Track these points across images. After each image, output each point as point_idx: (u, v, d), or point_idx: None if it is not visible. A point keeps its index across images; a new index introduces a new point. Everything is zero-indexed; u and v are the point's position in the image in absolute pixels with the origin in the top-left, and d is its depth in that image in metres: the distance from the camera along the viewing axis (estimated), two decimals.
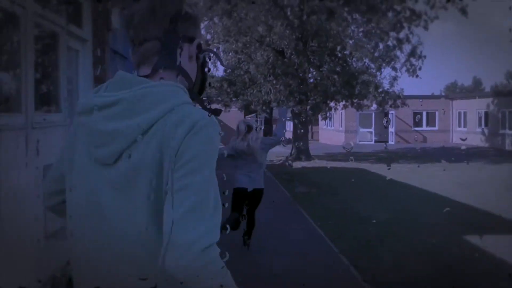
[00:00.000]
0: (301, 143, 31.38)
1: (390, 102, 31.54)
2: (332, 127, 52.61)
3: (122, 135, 1.76)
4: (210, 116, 1.77)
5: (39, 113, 5.88)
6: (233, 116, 46.58)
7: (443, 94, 70.96)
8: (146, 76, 1.86)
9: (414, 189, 17.95)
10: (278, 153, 31.08)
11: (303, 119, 31.18)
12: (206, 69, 2.04)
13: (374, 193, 16.83)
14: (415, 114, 48.21)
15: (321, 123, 52.44)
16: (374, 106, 32.86)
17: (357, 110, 32.75)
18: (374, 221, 11.76)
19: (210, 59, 2.28)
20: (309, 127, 39.19)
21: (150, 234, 1.73)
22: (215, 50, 17.06)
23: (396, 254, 9.45)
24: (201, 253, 1.62)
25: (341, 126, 49.66)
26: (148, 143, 1.74)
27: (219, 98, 35.31)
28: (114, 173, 1.78)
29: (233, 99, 34.11)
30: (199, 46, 1.96)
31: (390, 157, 33.20)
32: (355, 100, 30.76)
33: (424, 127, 50.14)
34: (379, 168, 25.12)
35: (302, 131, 31.70)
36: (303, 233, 11.40)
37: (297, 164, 28.18)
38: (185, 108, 1.77)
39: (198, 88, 2.02)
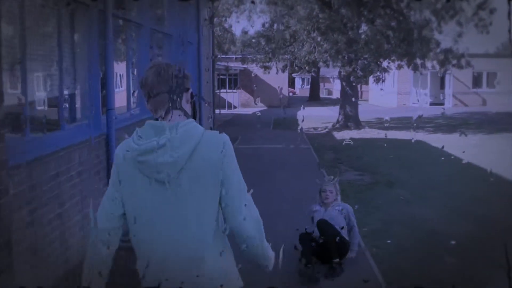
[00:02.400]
0: (349, 109, 27.67)
1: (453, 62, 27.42)
2: (383, 88, 48.45)
3: (176, 162, 2.81)
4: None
5: None
6: (273, 77, 43.20)
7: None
8: (162, 117, 2.92)
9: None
10: (323, 118, 27.50)
11: (352, 82, 27.41)
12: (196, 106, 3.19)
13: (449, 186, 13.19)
14: (475, 74, 43.91)
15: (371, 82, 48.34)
16: (430, 65, 28.80)
17: (414, 71, 28.74)
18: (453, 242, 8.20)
19: None
20: (360, 88, 35.43)
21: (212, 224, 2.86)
22: None
23: None
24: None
25: (393, 87, 45.56)
26: (194, 162, 2.82)
27: (256, 57, 31.73)
28: (175, 188, 2.83)
29: (272, 58, 30.26)
30: (191, 94, 3.07)
31: (449, 125, 29.23)
32: (413, 60, 26.73)
33: (484, 89, 45.80)
34: (442, 140, 21.34)
35: (351, 94, 27.92)
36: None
37: (345, 134, 24.51)
38: (208, 132, 2.91)
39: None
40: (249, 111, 42.91)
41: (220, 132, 2.89)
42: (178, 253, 2.80)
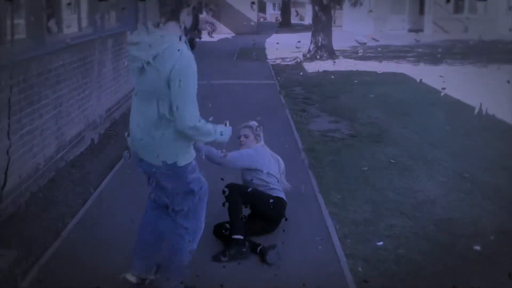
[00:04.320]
0: (322, 36, 24.45)
1: None
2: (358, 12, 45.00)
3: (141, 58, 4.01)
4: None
5: None
6: (241, 1, 39.16)
7: None
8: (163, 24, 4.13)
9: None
10: (293, 46, 24.32)
11: (326, 5, 24.12)
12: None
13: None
14: None
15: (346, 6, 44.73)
16: None
17: None
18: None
19: None
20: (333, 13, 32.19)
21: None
22: None
23: None
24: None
25: (369, 12, 42.18)
26: (158, 64, 3.96)
27: None
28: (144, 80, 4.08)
29: None
30: (193, 7, 4.14)
31: (432, 54, 26.26)
32: None
33: (466, 14, 42.68)
34: (428, 73, 18.45)
35: (324, 18, 24.64)
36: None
37: (317, 65, 21.39)
38: (175, 45, 3.97)
39: (193, 27, 4.29)
40: (214, 37, 39.46)
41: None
42: (137, 131, 4.23)
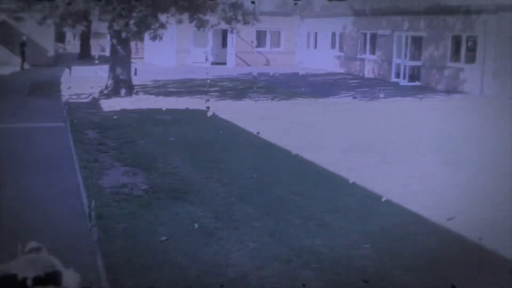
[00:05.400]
0: (121, 71, 22.86)
1: (240, 19, 23.70)
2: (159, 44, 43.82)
3: None
4: None
5: None
6: (36, 30, 36.36)
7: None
8: None
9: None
10: (88, 79, 22.47)
11: (125, 38, 22.60)
12: None
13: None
14: (259, 33, 41.34)
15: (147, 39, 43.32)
16: (214, 22, 24.83)
17: (198, 29, 24.59)
18: None
19: None
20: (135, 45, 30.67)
21: None
22: None
23: None
24: None
25: (172, 44, 41.23)
26: None
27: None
28: None
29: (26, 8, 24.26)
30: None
31: (237, 89, 25.82)
32: (197, 15, 22.50)
33: (268, 48, 43.43)
34: (234, 108, 17.67)
35: (122, 52, 23.09)
36: None
37: (114, 103, 19.76)
38: None
39: None
40: (7, 70, 36.09)
41: None
42: None
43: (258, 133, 13.43)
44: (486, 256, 6.83)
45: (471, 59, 26.12)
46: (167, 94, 22.92)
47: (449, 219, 7.66)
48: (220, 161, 11.22)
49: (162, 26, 22.76)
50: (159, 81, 27.58)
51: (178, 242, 6.84)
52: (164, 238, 6.92)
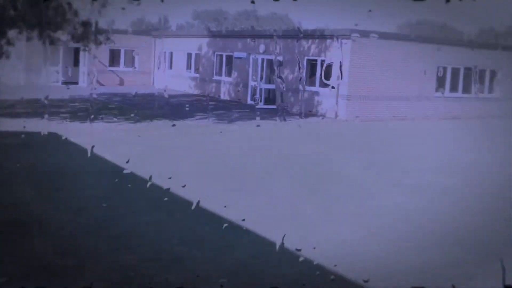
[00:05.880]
0: None
1: (92, 37, 22.94)
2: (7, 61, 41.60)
3: None
4: None
5: None
6: None
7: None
8: None
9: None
10: None
11: None
12: None
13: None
14: (112, 52, 40.43)
15: None
16: (65, 39, 23.89)
17: (50, 45, 23.52)
18: None
19: None
20: None
21: None
22: None
23: None
24: None
25: (21, 62, 39.29)
26: None
27: None
28: None
29: None
30: None
31: (87, 109, 24.83)
32: (47, 32, 21.49)
33: (122, 68, 42.49)
34: (76, 130, 16.88)
35: None
36: None
37: None
38: None
39: None
40: None
41: None
42: None
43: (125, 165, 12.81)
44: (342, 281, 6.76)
45: (325, 83, 26.86)
46: (12, 115, 21.57)
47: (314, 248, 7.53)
48: (69, 190, 10.55)
49: (9, 42, 21.53)
50: (6, 100, 25.99)
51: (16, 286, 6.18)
52: (4, 279, 6.24)
